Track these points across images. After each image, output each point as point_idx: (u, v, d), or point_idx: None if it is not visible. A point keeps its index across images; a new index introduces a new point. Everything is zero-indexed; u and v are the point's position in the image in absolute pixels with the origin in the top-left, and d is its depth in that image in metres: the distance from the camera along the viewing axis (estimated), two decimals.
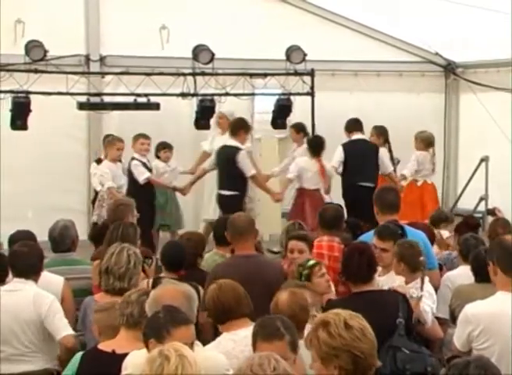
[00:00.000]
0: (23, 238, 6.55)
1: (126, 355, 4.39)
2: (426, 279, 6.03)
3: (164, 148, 11.05)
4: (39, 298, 5.64)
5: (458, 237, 7.25)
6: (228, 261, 6.52)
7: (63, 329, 5.57)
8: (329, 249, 6.86)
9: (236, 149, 10.27)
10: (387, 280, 6.08)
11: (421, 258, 5.96)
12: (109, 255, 5.51)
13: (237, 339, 4.76)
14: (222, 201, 10.34)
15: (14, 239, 6.72)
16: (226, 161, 10.32)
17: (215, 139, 11.26)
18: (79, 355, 4.72)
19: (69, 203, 11.52)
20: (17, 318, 5.55)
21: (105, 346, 4.61)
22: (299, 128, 11.60)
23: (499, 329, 4.69)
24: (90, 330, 5.34)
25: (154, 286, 5.86)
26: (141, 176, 10.38)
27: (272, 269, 6.22)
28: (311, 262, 5.91)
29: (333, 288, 6.09)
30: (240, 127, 10.52)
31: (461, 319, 4.87)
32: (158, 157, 11.05)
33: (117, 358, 4.41)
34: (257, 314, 5.11)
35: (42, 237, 7.19)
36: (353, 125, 10.99)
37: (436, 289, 6.32)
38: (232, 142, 10.40)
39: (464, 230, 7.46)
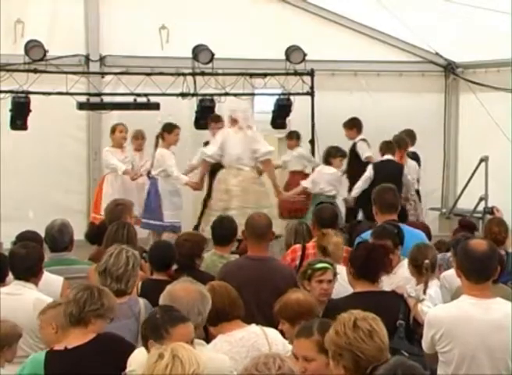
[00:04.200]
0: (28, 239, 6.52)
1: (76, 348, 4.55)
2: (434, 282, 6.04)
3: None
4: (40, 304, 5.64)
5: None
6: (238, 261, 6.49)
7: None
8: None
9: None
10: (388, 280, 6.07)
11: (426, 261, 5.96)
12: (107, 256, 5.48)
13: (233, 340, 4.75)
14: None
15: (19, 239, 6.69)
16: None
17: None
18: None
19: (69, 203, 11.53)
20: (16, 322, 5.54)
21: (58, 346, 4.72)
22: None
23: (460, 333, 4.61)
24: None
25: (142, 288, 5.92)
26: None
27: (283, 274, 6.13)
28: (319, 266, 5.81)
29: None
30: None
31: (426, 322, 4.84)
32: None
33: (68, 354, 4.56)
34: (265, 317, 5.13)
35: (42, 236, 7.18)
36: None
37: None
38: None
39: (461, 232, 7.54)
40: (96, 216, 10.50)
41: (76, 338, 4.64)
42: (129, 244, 6.11)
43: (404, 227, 6.73)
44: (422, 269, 5.97)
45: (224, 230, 7.05)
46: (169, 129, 10.69)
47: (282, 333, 4.97)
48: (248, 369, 3.41)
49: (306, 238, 7.28)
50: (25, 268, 5.80)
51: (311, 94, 11.92)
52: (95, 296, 4.66)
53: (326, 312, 5.06)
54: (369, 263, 5.45)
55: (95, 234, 7.48)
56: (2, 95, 10.59)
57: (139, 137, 11.30)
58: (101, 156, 11.41)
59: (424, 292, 5.83)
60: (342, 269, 5.93)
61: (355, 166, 11.24)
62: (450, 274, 6.63)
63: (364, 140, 11.52)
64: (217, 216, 7.75)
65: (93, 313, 4.64)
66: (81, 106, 11.14)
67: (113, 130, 11.09)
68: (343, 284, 5.94)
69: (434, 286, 6.06)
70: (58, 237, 6.90)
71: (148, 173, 10.88)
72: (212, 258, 6.94)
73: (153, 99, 11.15)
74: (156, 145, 10.75)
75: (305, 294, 5.18)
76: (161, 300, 4.47)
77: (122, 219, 6.95)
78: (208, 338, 4.86)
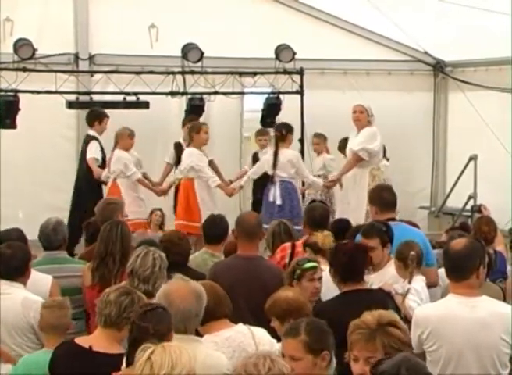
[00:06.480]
0: (11, 237, 6.49)
1: (102, 353, 4.48)
2: (419, 277, 6.04)
3: None
4: (27, 303, 5.63)
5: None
6: (228, 261, 6.46)
7: None
8: None
9: None
10: (377, 278, 6.07)
11: (412, 253, 5.94)
12: (135, 257, 5.44)
13: (219, 341, 4.73)
14: None
15: (1, 238, 6.65)
16: None
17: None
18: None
19: (59, 202, 11.48)
20: (4, 321, 5.54)
21: (82, 341, 4.65)
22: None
23: (447, 332, 4.63)
24: None
25: None
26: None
27: (272, 273, 6.10)
28: (308, 265, 5.76)
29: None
30: None
31: (413, 322, 4.85)
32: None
33: (93, 356, 4.49)
34: (255, 316, 5.12)
35: (32, 236, 7.15)
36: None
37: (435, 286, 6.36)
38: None
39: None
40: (196, 225, 9.63)
41: (104, 340, 4.57)
42: (123, 243, 6.11)
43: (402, 226, 6.69)
44: (407, 261, 5.96)
45: (217, 229, 7.06)
46: (291, 128, 10.32)
47: (274, 330, 4.98)
48: (237, 369, 3.39)
49: (283, 239, 7.20)
50: (11, 268, 5.77)
51: (301, 92, 11.95)
52: (135, 303, 4.60)
53: (315, 313, 5.06)
54: (352, 267, 5.44)
55: (86, 233, 7.45)
56: None
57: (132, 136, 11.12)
58: (188, 156, 10.19)
59: (409, 282, 5.83)
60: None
61: None
62: (444, 271, 6.66)
63: None
64: (209, 215, 7.75)
65: (128, 320, 4.51)
66: (70, 105, 11.13)
67: (198, 130, 10.16)
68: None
69: (420, 281, 6.06)
70: (53, 236, 6.85)
71: (270, 175, 10.25)
72: (204, 256, 6.96)
73: (142, 98, 11.15)
74: (277, 146, 10.15)
75: (295, 292, 5.18)
76: (157, 300, 4.46)
77: (114, 218, 6.93)
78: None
